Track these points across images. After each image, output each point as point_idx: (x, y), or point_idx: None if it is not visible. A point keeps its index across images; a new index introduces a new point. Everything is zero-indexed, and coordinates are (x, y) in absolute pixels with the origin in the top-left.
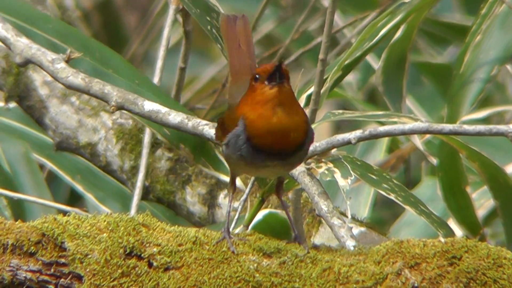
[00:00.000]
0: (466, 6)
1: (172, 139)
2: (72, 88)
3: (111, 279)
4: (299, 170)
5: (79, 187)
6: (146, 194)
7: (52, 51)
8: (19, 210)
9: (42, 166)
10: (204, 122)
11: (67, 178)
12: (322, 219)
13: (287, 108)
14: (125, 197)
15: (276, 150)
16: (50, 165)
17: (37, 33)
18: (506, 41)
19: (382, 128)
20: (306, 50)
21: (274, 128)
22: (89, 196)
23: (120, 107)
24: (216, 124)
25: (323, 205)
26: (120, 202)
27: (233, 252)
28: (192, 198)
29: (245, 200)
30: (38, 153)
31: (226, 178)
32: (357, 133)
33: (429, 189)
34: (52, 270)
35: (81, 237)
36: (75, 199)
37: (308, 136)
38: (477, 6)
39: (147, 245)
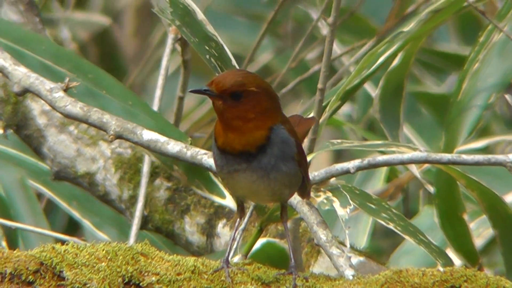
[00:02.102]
0: (463, 35)
1: (166, 160)
2: (71, 117)
3: None
4: (297, 199)
5: (76, 214)
6: (145, 223)
7: (45, 72)
8: (15, 238)
9: (40, 196)
10: (203, 151)
11: (63, 204)
12: (321, 248)
13: (239, 117)
14: (122, 223)
15: (236, 151)
16: (46, 191)
17: (30, 55)
18: (504, 68)
19: (381, 158)
20: (303, 78)
21: (223, 128)
22: (86, 222)
23: (118, 136)
24: None
25: (322, 235)
26: (117, 228)
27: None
28: (190, 227)
29: (244, 230)
30: (34, 180)
31: (220, 200)
32: (356, 162)
33: (428, 218)
34: None
35: (79, 266)
36: (72, 228)
37: (271, 140)
38: (473, 35)
39: (146, 274)
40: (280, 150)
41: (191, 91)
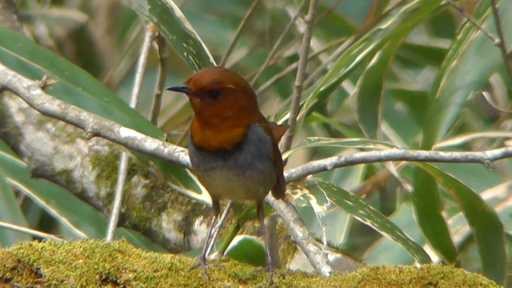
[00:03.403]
0: (435, 30)
1: (141, 156)
2: (48, 115)
3: None
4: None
5: (54, 212)
6: (122, 221)
7: (21, 70)
8: None
9: (17, 193)
10: (180, 148)
11: (41, 202)
12: (297, 245)
13: (217, 115)
14: (100, 221)
15: (213, 148)
16: (24, 189)
17: (6, 52)
18: (482, 66)
19: (358, 155)
20: (280, 76)
21: (200, 125)
22: (64, 221)
23: (96, 134)
24: None
25: (299, 232)
26: (95, 226)
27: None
28: (167, 225)
29: (221, 227)
30: (12, 177)
31: (196, 196)
32: (333, 159)
33: (405, 215)
34: None
35: (56, 263)
36: (45, 224)
37: (248, 138)
38: (445, 30)
39: (123, 271)
40: (257, 148)
41: (169, 89)
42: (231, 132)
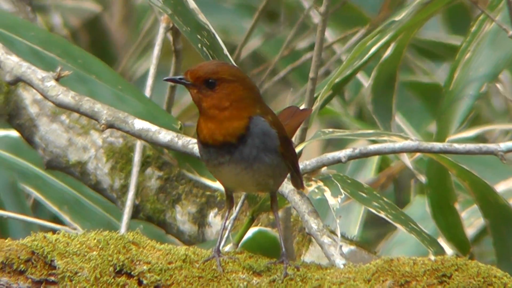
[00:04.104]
0: (452, 25)
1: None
2: (62, 107)
3: None
4: (289, 189)
5: (67, 218)
6: (136, 213)
7: (35, 58)
8: (4, 229)
9: (27, 195)
10: (194, 140)
11: (54, 208)
12: (312, 237)
13: (215, 106)
14: (113, 227)
15: (218, 143)
16: (37, 195)
17: (19, 41)
18: (496, 58)
19: (372, 147)
20: (295, 67)
21: (203, 120)
22: (76, 227)
23: (110, 126)
24: None
25: (313, 224)
26: None
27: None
28: (182, 217)
29: (235, 219)
30: (25, 183)
31: (211, 183)
32: (348, 151)
33: (420, 208)
34: None
35: (70, 255)
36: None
37: (251, 130)
38: (462, 25)
39: (137, 263)
40: (262, 142)
41: (166, 80)
42: (232, 123)
